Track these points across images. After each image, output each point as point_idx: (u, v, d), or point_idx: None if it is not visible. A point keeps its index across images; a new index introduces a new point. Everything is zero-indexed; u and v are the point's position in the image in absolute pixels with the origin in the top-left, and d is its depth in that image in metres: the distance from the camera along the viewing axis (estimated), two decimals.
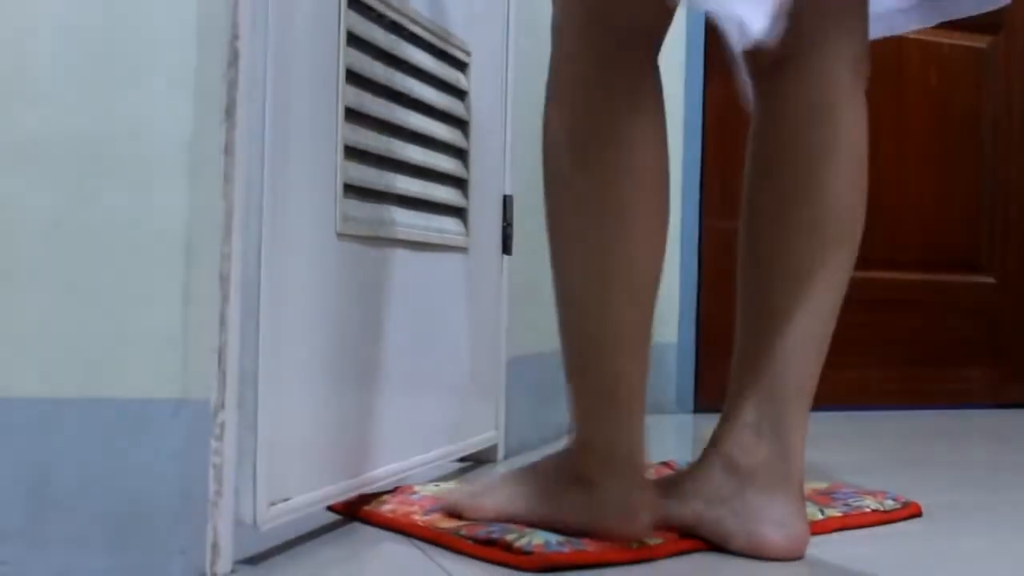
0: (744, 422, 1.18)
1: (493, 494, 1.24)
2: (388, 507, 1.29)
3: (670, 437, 2.29)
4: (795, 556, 1.15)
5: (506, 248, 1.75)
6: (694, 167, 2.49)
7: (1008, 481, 1.76)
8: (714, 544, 1.17)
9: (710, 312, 2.52)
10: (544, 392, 1.94)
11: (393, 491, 1.37)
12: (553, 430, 1.99)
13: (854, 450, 2.04)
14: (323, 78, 1.19)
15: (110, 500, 0.95)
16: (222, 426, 1.02)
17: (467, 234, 1.59)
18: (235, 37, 1.02)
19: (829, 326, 1.19)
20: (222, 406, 1.02)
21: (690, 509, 1.18)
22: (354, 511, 1.29)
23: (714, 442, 1.20)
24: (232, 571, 1.03)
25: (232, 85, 1.02)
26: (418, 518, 1.24)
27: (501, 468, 1.75)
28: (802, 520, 1.17)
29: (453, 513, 1.24)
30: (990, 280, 2.68)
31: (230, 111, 1.02)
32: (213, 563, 1.01)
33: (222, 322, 1.02)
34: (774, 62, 1.18)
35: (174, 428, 0.97)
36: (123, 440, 0.96)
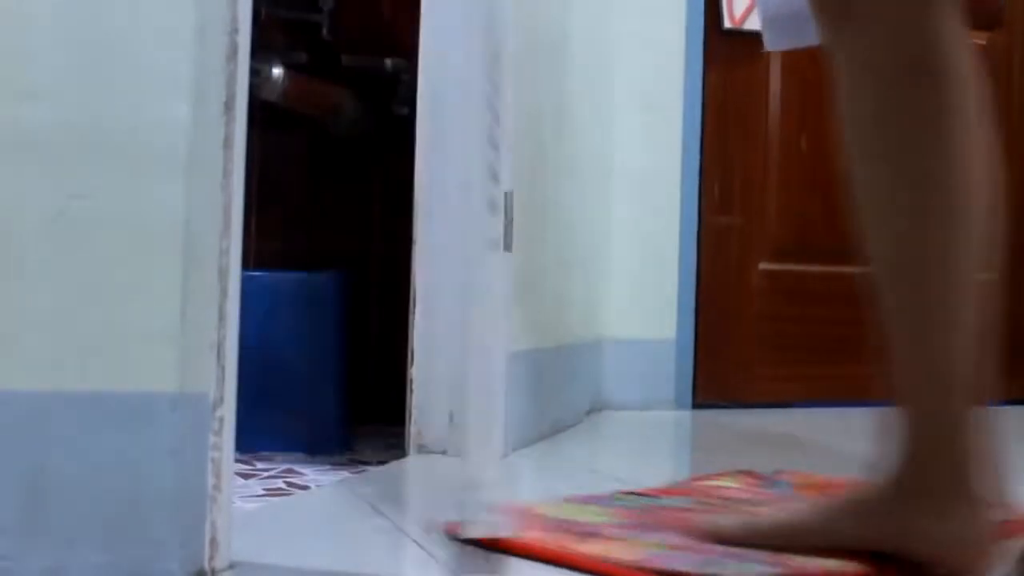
0: (916, 437, 1.10)
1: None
2: (532, 533, 1.16)
3: (669, 432, 2.29)
4: (979, 574, 1.08)
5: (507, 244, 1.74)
6: (693, 163, 2.49)
7: None
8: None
9: (708, 308, 2.52)
10: (542, 388, 1.94)
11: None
12: (551, 426, 1.99)
13: None
14: None
15: (107, 494, 0.95)
16: (221, 420, 1.01)
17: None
18: (235, 31, 1.02)
19: (993, 325, 1.11)
20: (221, 401, 1.01)
21: (872, 527, 1.12)
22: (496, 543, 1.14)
23: (885, 459, 1.12)
24: (230, 566, 1.03)
25: (231, 79, 1.02)
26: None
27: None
28: (984, 536, 1.09)
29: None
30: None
31: (229, 105, 1.02)
32: (211, 558, 1.00)
33: (221, 316, 1.01)
34: None
35: (172, 422, 0.96)
36: (121, 434, 0.95)
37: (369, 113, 2.17)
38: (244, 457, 1.71)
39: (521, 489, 1.55)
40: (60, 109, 0.97)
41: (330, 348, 1.87)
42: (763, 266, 2.57)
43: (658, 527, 1.18)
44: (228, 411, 1.03)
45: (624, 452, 2.03)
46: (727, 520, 1.20)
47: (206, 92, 1.00)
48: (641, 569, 1.04)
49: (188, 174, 0.98)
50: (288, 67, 2.00)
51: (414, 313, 1.80)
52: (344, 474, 1.62)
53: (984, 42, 2.70)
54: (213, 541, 1.01)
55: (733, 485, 1.45)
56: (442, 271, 1.79)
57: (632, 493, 1.38)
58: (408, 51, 2.00)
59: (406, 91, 2.12)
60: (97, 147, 0.97)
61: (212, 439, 1.00)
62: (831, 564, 1.07)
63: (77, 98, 0.97)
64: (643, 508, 1.29)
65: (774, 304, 2.58)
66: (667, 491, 1.41)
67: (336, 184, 2.19)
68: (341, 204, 2.19)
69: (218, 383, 1.01)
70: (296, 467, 1.67)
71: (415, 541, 1.19)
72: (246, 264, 1.82)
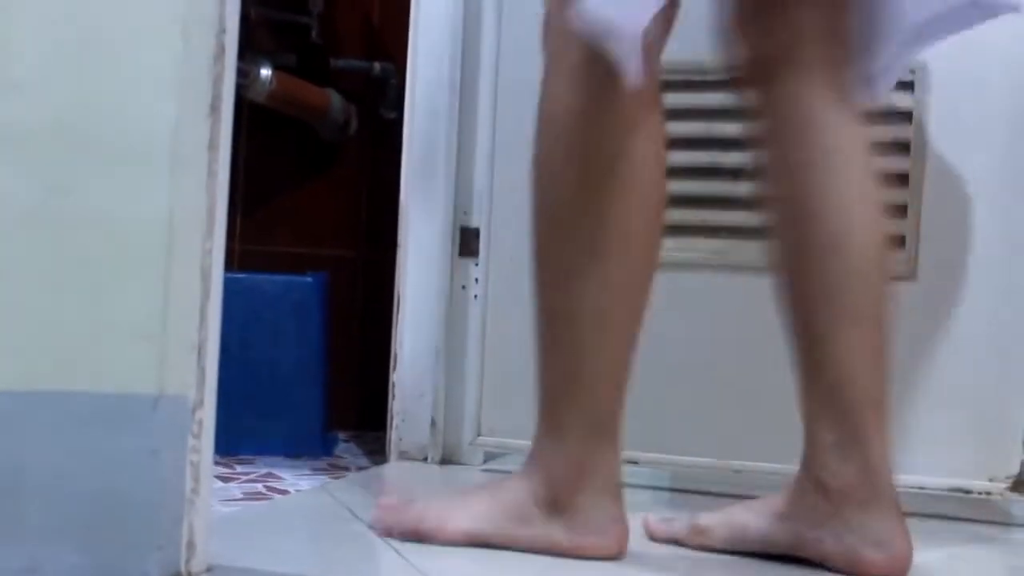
0: (825, 444, 1.17)
1: (458, 515, 1.20)
2: None
3: None
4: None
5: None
6: None
7: None
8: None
9: None
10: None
11: None
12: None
13: None
14: None
15: (84, 495, 0.94)
16: (200, 423, 1.00)
17: None
18: (222, 31, 1.01)
19: (881, 333, 1.17)
20: (201, 403, 1.01)
21: (791, 531, 1.18)
22: None
23: (803, 466, 1.19)
24: (207, 569, 1.02)
25: (218, 80, 1.01)
26: None
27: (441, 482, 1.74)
28: (902, 537, 1.14)
29: (413, 535, 1.20)
30: None
31: (215, 106, 1.01)
32: (188, 561, 0.99)
33: (202, 318, 1.01)
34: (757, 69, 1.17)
35: (151, 424, 0.96)
36: (99, 435, 0.95)
37: (357, 116, 2.17)
38: (224, 460, 1.71)
39: None
40: (43, 104, 0.96)
41: (312, 352, 1.87)
42: None
43: None
44: (208, 413, 1.02)
45: None
46: (410, 514, 1.21)
47: (192, 92, 0.99)
48: None
49: (172, 174, 0.97)
50: (276, 69, 1.99)
51: (398, 318, 1.79)
52: (324, 479, 1.62)
53: None
54: (190, 544, 1.00)
55: None
56: (426, 276, 1.79)
57: None
58: (397, 55, 2.00)
59: (394, 95, 2.12)
60: (80, 143, 0.96)
61: (191, 441, 0.99)
62: None
63: (60, 93, 0.96)
64: None
65: None
66: None
67: (322, 187, 2.19)
68: (327, 207, 2.19)
69: (198, 385, 1.00)
70: (276, 471, 1.66)
71: (393, 548, 1.18)
72: (230, 266, 1.82)
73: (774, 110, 1.19)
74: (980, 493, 1.55)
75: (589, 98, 1.12)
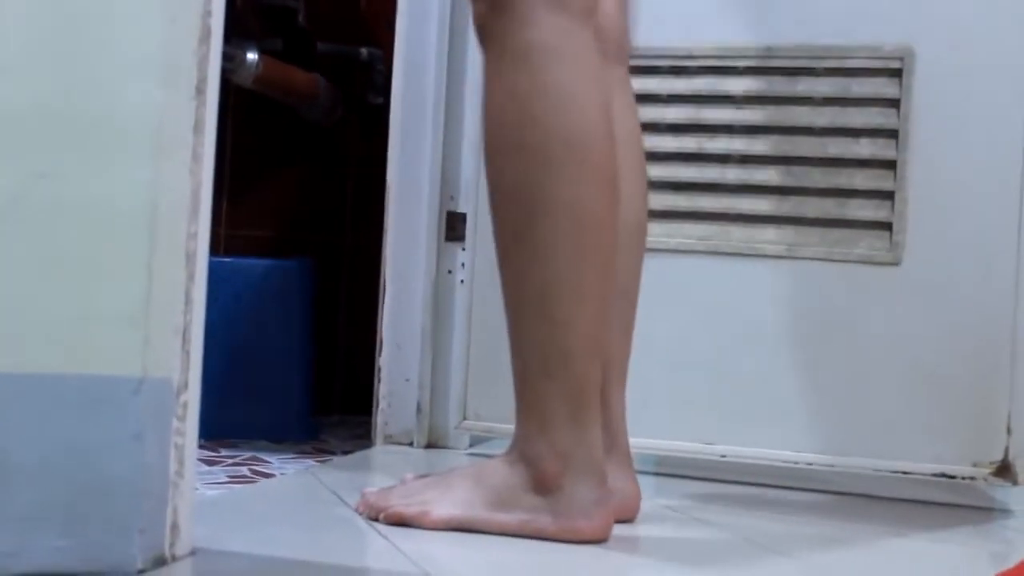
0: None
1: (443, 500, 1.20)
2: None
3: None
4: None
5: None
6: None
7: None
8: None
9: None
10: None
11: None
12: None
13: None
14: None
15: (67, 478, 0.94)
16: (185, 406, 1.00)
17: None
18: (207, 13, 1.00)
19: (635, 304, 1.28)
20: (185, 386, 1.00)
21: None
22: None
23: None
24: (191, 552, 1.02)
25: (203, 62, 1.00)
26: None
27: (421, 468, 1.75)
28: (632, 484, 1.27)
29: (398, 520, 1.20)
30: None
31: (201, 88, 1.01)
32: (172, 544, 0.99)
33: (187, 301, 1.00)
34: None
35: (135, 407, 0.95)
36: (83, 417, 0.94)
37: (343, 101, 2.16)
38: (209, 444, 1.70)
39: None
40: (26, 86, 0.95)
41: (298, 336, 1.86)
42: None
43: None
44: (193, 397, 1.02)
45: None
46: (392, 498, 1.22)
47: (177, 74, 0.99)
48: None
49: (157, 157, 0.97)
50: (263, 53, 1.98)
51: (384, 302, 1.79)
52: (309, 463, 1.62)
53: None
54: (174, 527, 1.00)
55: None
56: (413, 260, 1.79)
57: None
58: (384, 40, 2.00)
59: (381, 80, 2.12)
60: (63, 126, 0.96)
61: (176, 424, 0.99)
62: None
63: (44, 75, 0.96)
64: None
65: None
66: None
67: (309, 172, 2.18)
68: (313, 192, 2.18)
69: (183, 368, 1.00)
70: (261, 455, 1.66)
71: (378, 531, 1.19)
72: (216, 250, 1.82)
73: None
74: (964, 478, 1.56)
75: (533, 77, 1.13)
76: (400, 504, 1.20)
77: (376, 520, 1.21)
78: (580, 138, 1.13)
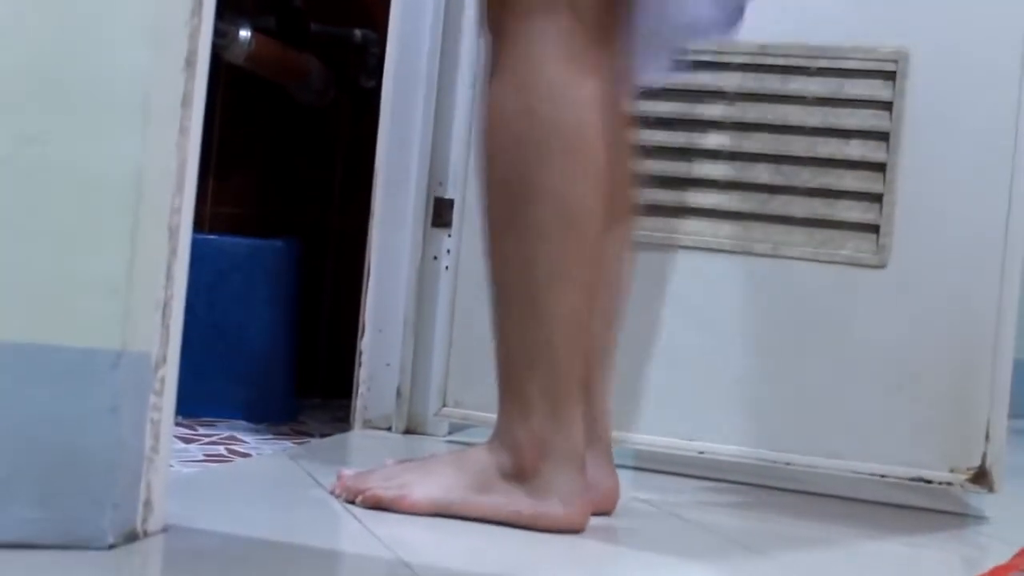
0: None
1: (422, 483, 1.20)
2: None
3: None
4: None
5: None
6: None
7: None
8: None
9: None
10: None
11: None
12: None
13: None
14: None
15: (41, 450, 0.93)
16: (162, 381, 1.00)
17: None
18: None
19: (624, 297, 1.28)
20: (164, 361, 1.00)
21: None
22: None
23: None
24: (163, 529, 1.02)
25: (194, 33, 1.00)
26: None
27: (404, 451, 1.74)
28: (611, 476, 1.27)
29: (374, 504, 1.19)
30: None
31: (191, 60, 1.00)
32: (145, 520, 0.99)
33: (168, 276, 1.00)
34: None
35: (112, 380, 0.95)
36: (58, 389, 0.93)
37: (335, 83, 2.15)
38: (186, 422, 1.70)
39: None
40: (15, 53, 0.94)
41: (280, 317, 1.86)
42: None
43: None
44: (171, 372, 1.01)
45: None
46: (370, 481, 1.21)
47: (167, 45, 0.98)
48: None
49: (144, 127, 0.96)
50: (256, 30, 1.97)
51: (367, 286, 1.79)
52: (287, 444, 1.61)
53: None
54: (147, 503, 0.99)
55: None
56: (398, 245, 1.78)
57: None
58: (378, 23, 1.99)
59: (374, 63, 2.11)
60: (51, 93, 0.95)
61: (152, 399, 0.99)
62: None
63: (33, 43, 0.95)
64: None
65: None
66: None
67: (297, 153, 2.17)
68: (301, 173, 2.17)
69: (162, 343, 0.99)
70: (239, 435, 1.65)
71: (352, 515, 1.18)
72: (201, 228, 1.81)
73: None
74: (940, 483, 1.56)
75: (533, 70, 1.14)
76: (379, 487, 1.20)
77: (353, 503, 1.21)
78: (573, 130, 1.14)
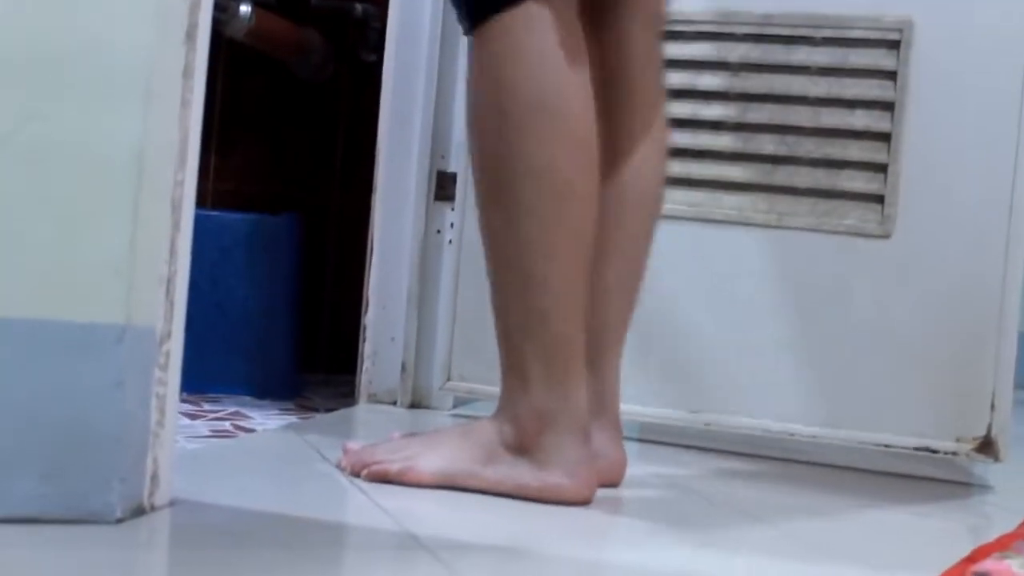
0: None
1: (427, 457, 1.20)
2: None
3: None
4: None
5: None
6: None
7: None
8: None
9: None
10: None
11: None
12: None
13: None
14: None
15: (48, 425, 0.93)
16: (167, 356, 1.00)
17: None
18: None
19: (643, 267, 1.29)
20: (168, 336, 1.00)
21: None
22: None
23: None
24: (170, 503, 1.02)
25: (195, 7, 0.99)
26: None
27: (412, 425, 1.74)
28: (618, 448, 1.27)
29: (380, 477, 1.19)
30: None
31: (191, 34, 0.99)
32: (151, 494, 0.99)
33: (172, 250, 0.99)
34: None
35: (117, 355, 0.95)
36: (64, 364, 0.93)
37: (336, 57, 2.14)
38: (192, 398, 1.70)
39: None
40: (17, 26, 0.94)
41: (284, 292, 1.85)
42: None
43: None
44: (175, 347, 1.01)
45: None
46: (378, 454, 1.22)
47: (168, 19, 0.97)
48: None
49: (146, 102, 0.95)
50: (256, 5, 1.96)
51: (371, 260, 1.78)
52: (292, 420, 1.61)
53: None
54: (154, 477, 0.99)
55: None
56: (401, 219, 1.78)
57: None
58: None
59: (375, 38, 2.09)
60: (53, 69, 0.94)
61: (158, 374, 0.99)
62: None
63: (34, 18, 0.94)
64: None
65: None
66: None
67: (299, 128, 2.16)
68: (303, 148, 2.17)
69: (166, 318, 0.99)
70: (244, 410, 1.66)
71: (359, 488, 1.18)
72: (203, 204, 1.80)
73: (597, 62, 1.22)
74: (946, 453, 1.56)
75: (512, 43, 1.14)
76: (384, 460, 1.20)
77: (358, 476, 1.21)
78: (555, 103, 1.14)
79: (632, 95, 1.26)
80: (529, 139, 1.14)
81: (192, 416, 1.57)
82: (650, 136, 1.28)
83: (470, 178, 1.74)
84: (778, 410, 1.62)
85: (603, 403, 1.25)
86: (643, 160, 1.25)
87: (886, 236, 1.60)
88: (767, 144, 1.64)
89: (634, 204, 1.25)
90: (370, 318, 1.78)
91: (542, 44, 1.14)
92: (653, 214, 1.31)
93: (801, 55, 1.63)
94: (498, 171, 1.16)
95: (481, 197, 1.19)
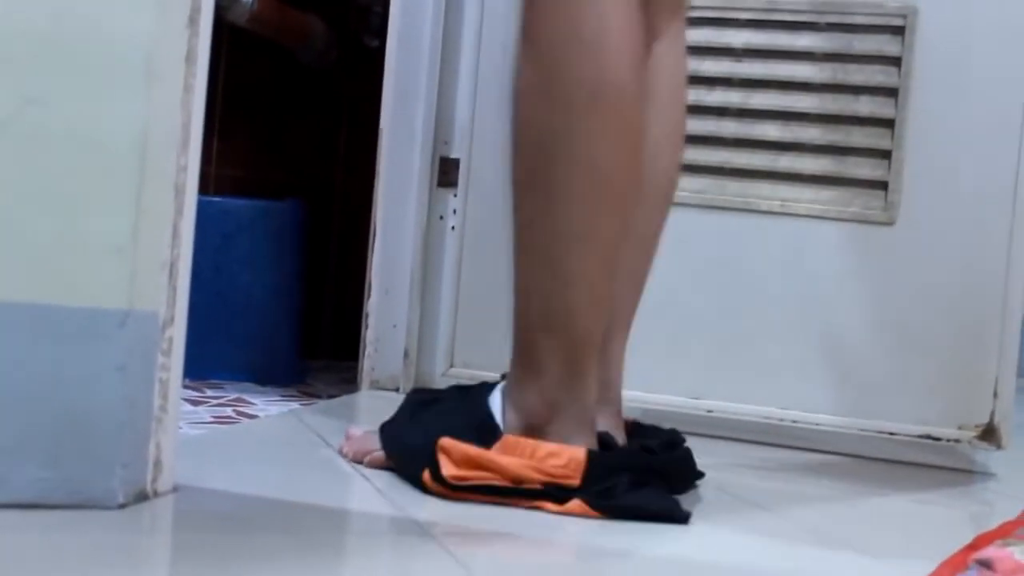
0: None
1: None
2: None
3: None
4: None
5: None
6: None
7: None
8: None
9: None
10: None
11: None
12: None
13: None
14: None
15: (50, 410, 0.93)
16: (170, 341, 0.99)
17: None
18: None
19: (651, 257, 1.27)
20: (171, 321, 0.99)
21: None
22: None
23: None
24: (173, 489, 1.02)
25: None
26: None
27: None
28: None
29: (381, 464, 1.19)
30: None
31: (194, 18, 0.99)
32: (154, 480, 0.99)
33: (175, 235, 0.99)
34: None
35: (120, 339, 0.94)
36: (66, 349, 0.93)
37: (339, 43, 2.14)
38: (194, 384, 1.70)
39: None
40: (17, 9, 0.93)
41: (286, 278, 1.85)
42: None
43: None
44: (178, 332, 1.01)
45: None
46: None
47: (170, 3, 0.97)
48: None
49: (148, 86, 0.95)
50: None
51: (373, 247, 1.78)
52: (295, 406, 1.61)
53: None
54: (157, 463, 0.99)
55: None
56: (404, 205, 1.78)
57: None
58: None
59: (378, 22, 2.09)
60: (53, 52, 0.94)
61: (160, 359, 0.98)
62: None
63: (35, 1, 0.94)
64: None
65: None
66: None
67: (301, 114, 2.16)
68: (305, 134, 2.16)
69: (169, 303, 0.99)
70: (246, 396, 1.66)
71: (361, 474, 1.18)
72: (206, 190, 1.80)
73: None
74: (949, 441, 1.56)
75: (567, 23, 1.11)
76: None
77: (360, 462, 1.21)
78: (607, 90, 1.10)
79: (657, 82, 1.22)
80: (579, 129, 1.10)
81: (195, 402, 1.57)
82: (670, 123, 1.26)
83: (473, 164, 1.75)
84: (781, 397, 1.62)
85: (608, 389, 1.24)
86: (660, 145, 1.22)
87: (890, 223, 1.59)
88: (771, 130, 1.64)
89: (651, 189, 1.22)
90: (372, 304, 1.78)
91: (604, 25, 1.10)
92: (668, 199, 1.28)
93: (805, 41, 1.62)
94: (539, 155, 1.12)
95: (518, 180, 1.14)
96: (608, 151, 1.11)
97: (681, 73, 1.28)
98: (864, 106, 1.61)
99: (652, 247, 1.29)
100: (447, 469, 1.10)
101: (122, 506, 0.95)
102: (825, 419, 1.60)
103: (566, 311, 1.13)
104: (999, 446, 1.55)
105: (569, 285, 1.12)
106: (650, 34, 1.17)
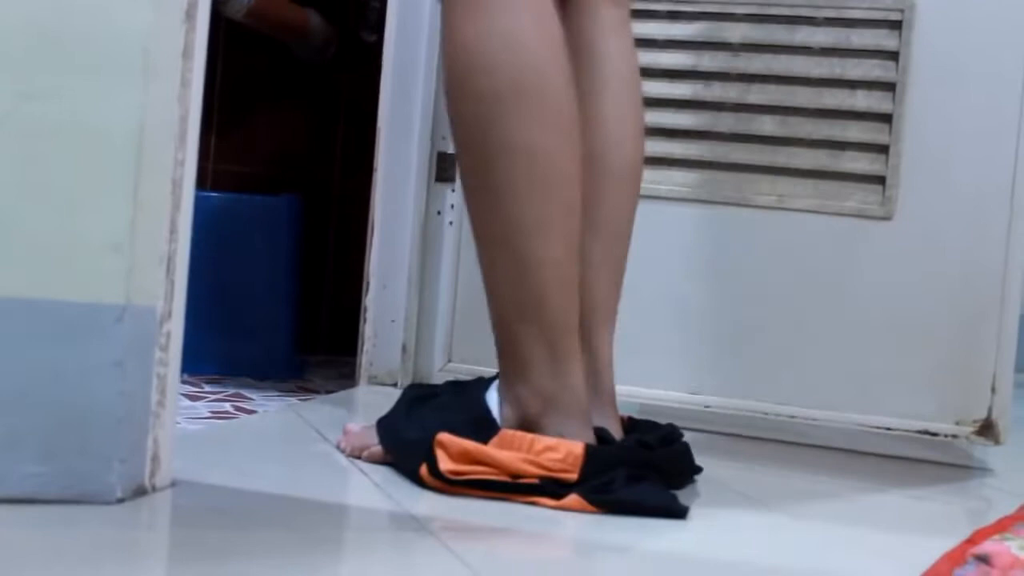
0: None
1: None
2: None
3: None
4: None
5: None
6: None
7: None
8: None
9: None
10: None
11: None
12: None
13: None
14: None
15: (48, 405, 0.93)
16: (168, 336, 0.99)
17: None
18: None
19: (624, 247, 1.29)
20: (169, 315, 0.99)
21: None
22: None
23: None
24: (171, 484, 1.02)
25: None
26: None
27: None
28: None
29: (378, 459, 1.20)
30: None
31: (190, 13, 0.99)
32: (152, 475, 0.99)
33: (172, 230, 0.99)
34: None
35: (117, 334, 0.94)
36: (64, 344, 0.93)
37: (336, 38, 2.14)
38: (192, 379, 1.70)
39: None
40: (15, 7, 0.93)
41: (284, 274, 1.85)
42: None
43: None
44: (176, 326, 1.01)
45: None
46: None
47: None
48: None
49: (145, 81, 0.95)
50: None
51: (371, 242, 1.78)
52: (292, 401, 1.61)
53: None
54: (155, 458, 0.99)
55: None
56: (402, 200, 1.77)
57: None
58: None
59: (375, 18, 2.09)
60: (52, 47, 0.94)
61: (158, 354, 0.98)
62: None
63: None
64: None
65: None
66: None
67: (299, 109, 2.16)
68: (303, 129, 2.16)
69: (167, 298, 0.99)
70: (244, 392, 1.66)
71: (359, 468, 1.18)
72: (203, 185, 1.80)
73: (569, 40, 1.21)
74: (946, 436, 1.56)
75: (480, 24, 1.13)
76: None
77: (358, 457, 1.21)
78: (531, 81, 1.13)
79: (604, 72, 1.25)
80: (509, 120, 1.12)
81: (193, 397, 1.57)
82: (626, 112, 1.27)
83: None
84: (776, 392, 1.62)
85: (599, 381, 1.25)
86: (620, 135, 1.24)
87: (887, 218, 1.59)
88: (768, 125, 1.64)
89: (615, 179, 1.24)
90: (370, 299, 1.78)
91: (517, 23, 1.13)
92: (635, 187, 1.30)
93: (802, 35, 1.62)
94: (480, 152, 1.15)
95: (465, 178, 1.18)
96: (541, 137, 1.13)
97: (630, 61, 1.30)
98: (861, 101, 1.61)
99: (625, 236, 1.29)
100: (444, 464, 1.10)
101: (120, 501, 0.95)
102: (822, 414, 1.60)
103: (537, 296, 1.14)
104: (997, 441, 1.55)
105: (533, 270, 1.14)
106: (583, 18, 1.20)
